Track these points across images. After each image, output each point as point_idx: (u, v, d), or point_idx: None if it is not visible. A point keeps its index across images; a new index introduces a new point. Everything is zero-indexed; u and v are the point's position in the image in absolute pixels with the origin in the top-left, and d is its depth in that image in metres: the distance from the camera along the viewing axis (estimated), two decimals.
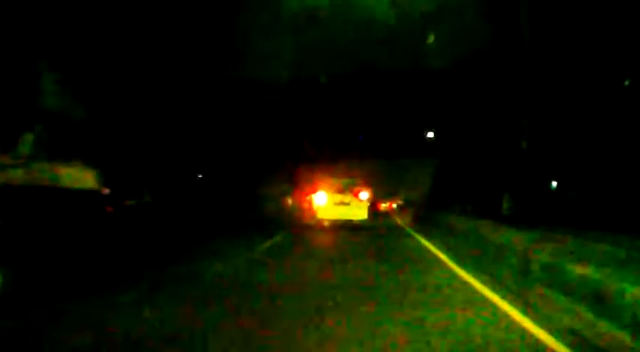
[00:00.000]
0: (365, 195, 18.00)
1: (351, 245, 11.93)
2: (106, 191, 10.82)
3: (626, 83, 17.91)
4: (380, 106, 31.22)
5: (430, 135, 25.82)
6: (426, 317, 4.55)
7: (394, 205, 60.08)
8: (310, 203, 21.03)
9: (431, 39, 19.41)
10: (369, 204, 18.33)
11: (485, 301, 5.35)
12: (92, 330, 3.97)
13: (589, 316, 4.58)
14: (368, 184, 19.04)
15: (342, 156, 32.46)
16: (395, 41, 19.26)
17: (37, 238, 7.20)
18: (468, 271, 7.28)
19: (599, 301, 4.52)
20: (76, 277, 6.38)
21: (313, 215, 18.59)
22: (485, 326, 4.32)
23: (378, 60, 20.52)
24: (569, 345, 3.85)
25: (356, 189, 17.97)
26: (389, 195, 59.57)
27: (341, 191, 17.94)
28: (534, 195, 15.98)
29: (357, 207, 17.69)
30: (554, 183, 18.96)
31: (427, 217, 20.45)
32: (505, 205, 18.30)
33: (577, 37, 18.26)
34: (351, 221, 17.46)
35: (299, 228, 16.54)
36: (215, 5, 19.14)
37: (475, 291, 5.90)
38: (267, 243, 10.83)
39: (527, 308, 4.90)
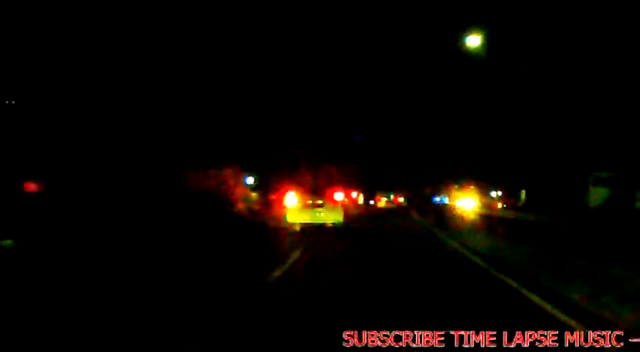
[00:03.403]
0: (340, 195, 17.19)
1: None
2: None
3: None
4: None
5: (475, 41, 16.92)
6: None
7: (400, 199, 53.94)
8: (280, 205, 19.24)
9: None
10: (356, 205, 18.58)
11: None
12: None
13: None
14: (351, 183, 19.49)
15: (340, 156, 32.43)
16: None
17: None
18: None
19: None
20: None
21: (281, 218, 17.19)
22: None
23: None
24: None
25: (330, 189, 17.10)
26: (394, 189, 53.45)
27: (313, 191, 17.06)
28: None
29: (331, 209, 16.48)
30: None
31: None
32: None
33: None
34: (323, 224, 16.24)
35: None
36: None
37: None
38: None
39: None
